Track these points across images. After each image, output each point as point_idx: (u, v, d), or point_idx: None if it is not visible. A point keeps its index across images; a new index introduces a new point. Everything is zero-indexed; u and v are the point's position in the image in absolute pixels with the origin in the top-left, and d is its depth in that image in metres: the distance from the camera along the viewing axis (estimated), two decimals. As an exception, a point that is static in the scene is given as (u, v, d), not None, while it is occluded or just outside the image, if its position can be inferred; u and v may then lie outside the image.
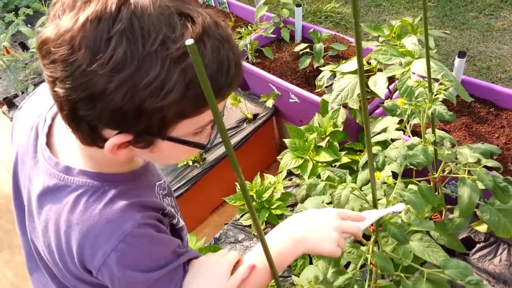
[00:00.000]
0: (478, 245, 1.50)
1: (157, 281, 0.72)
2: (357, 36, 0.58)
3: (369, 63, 1.67)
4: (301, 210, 1.24)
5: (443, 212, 1.40)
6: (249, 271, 0.80)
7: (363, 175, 1.12)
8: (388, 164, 1.13)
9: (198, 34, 0.59)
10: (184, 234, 0.89)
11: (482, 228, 1.46)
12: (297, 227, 0.84)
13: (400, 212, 0.93)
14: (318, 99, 1.83)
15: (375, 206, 0.96)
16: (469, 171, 1.12)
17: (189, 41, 0.41)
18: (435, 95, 1.14)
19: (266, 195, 1.77)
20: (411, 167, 1.07)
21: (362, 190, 1.09)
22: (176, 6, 0.60)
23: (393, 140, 1.28)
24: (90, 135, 0.64)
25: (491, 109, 1.70)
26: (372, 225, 0.93)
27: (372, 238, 1.01)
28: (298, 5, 2.23)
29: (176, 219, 0.85)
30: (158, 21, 0.58)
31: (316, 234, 0.82)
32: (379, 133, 1.32)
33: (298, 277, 1.18)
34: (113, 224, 0.69)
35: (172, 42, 0.58)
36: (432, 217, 1.39)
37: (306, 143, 1.75)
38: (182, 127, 0.65)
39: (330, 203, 1.22)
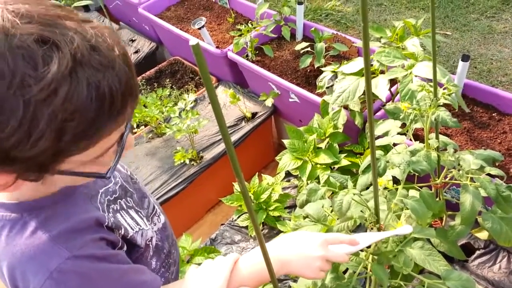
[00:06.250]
0: (477, 252, 1.48)
1: None
2: (365, 40, 0.56)
3: (371, 65, 1.64)
4: (300, 214, 1.22)
5: (444, 218, 1.38)
6: None
7: (363, 179, 1.09)
8: (390, 169, 1.11)
9: (67, 67, 0.50)
10: (141, 238, 0.84)
11: (482, 235, 1.44)
12: (284, 250, 0.85)
13: (404, 235, 0.91)
14: (318, 99, 1.81)
15: (376, 213, 0.94)
16: (471, 178, 1.10)
17: (193, 41, 0.36)
18: (439, 100, 1.12)
19: (264, 196, 1.75)
20: (414, 173, 1.05)
21: (362, 195, 1.07)
22: (39, 32, 0.50)
23: (395, 144, 1.26)
24: None
25: (493, 114, 1.68)
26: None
27: (372, 246, 0.99)
28: (300, 3, 2.20)
29: (123, 229, 0.78)
30: (13, 58, 0.48)
31: (300, 261, 0.83)
32: (380, 136, 1.30)
33: (296, 282, 1.16)
34: (37, 261, 0.65)
35: (35, 81, 0.49)
36: (432, 223, 1.37)
37: (306, 144, 1.73)
38: (71, 161, 0.58)
39: (331, 206, 1.19)
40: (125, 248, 0.79)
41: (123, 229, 0.79)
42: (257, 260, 0.82)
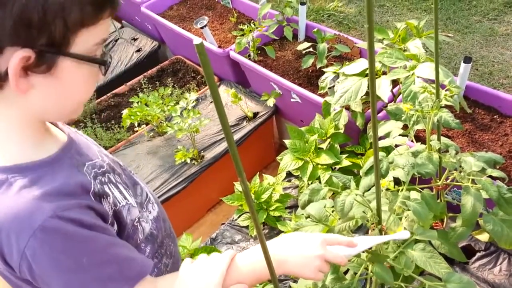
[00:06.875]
0: (478, 254, 1.48)
1: (84, 285, 0.68)
2: (370, 41, 0.56)
3: (373, 66, 1.64)
4: (302, 214, 1.22)
5: (445, 220, 1.38)
6: None
7: (366, 181, 1.09)
8: (392, 170, 1.11)
9: None
10: (128, 214, 0.83)
11: (483, 237, 1.44)
12: (282, 249, 0.84)
13: (403, 239, 0.91)
14: (320, 99, 1.81)
15: (378, 215, 0.94)
16: (473, 179, 1.10)
17: (197, 40, 0.39)
18: (441, 102, 1.12)
19: (264, 196, 1.75)
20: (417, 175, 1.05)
21: (364, 196, 1.07)
22: None
23: (396, 146, 1.26)
24: None
25: (494, 116, 1.68)
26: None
27: (373, 247, 0.99)
28: (302, 3, 2.20)
29: (111, 197, 0.78)
30: None
31: (298, 260, 0.82)
32: (382, 137, 1.30)
33: (296, 282, 1.16)
34: (21, 218, 0.65)
35: None
36: (433, 225, 1.37)
37: (307, 144, 1.73)
38: (81, 42, 0.66)
39: (332, 207, 1.19)
40: (115, 227, 0.79)
41: (111, 198, 0.78)
42: (256, 258, 0.81)
